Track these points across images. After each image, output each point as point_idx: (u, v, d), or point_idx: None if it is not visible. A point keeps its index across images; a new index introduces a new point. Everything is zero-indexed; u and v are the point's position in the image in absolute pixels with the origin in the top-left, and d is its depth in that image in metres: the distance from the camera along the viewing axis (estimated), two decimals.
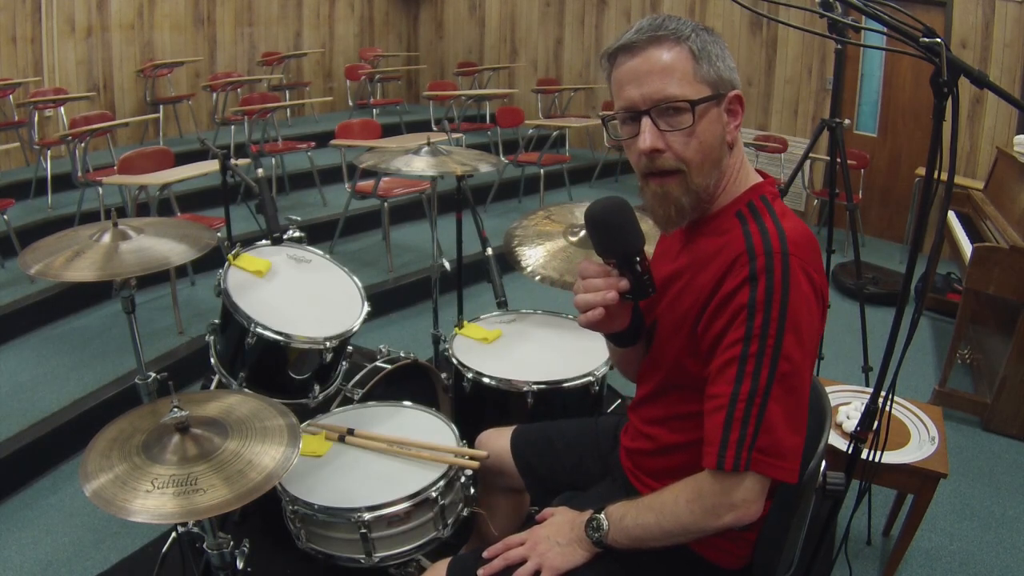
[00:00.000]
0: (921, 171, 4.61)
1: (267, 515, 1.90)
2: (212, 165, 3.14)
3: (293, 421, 1.28)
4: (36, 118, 5.20)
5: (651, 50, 1.03)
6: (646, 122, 1.04)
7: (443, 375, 2.14)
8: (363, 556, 1.44)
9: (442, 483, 1.48)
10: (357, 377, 1.92)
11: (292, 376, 1.78)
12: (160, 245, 1.60)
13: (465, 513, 1.56)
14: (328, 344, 1.73)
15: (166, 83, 6.40)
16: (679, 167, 1.05)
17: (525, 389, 1.80)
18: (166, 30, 6.45)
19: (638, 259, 1.07)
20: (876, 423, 1.21)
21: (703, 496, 1.04)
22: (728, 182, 1.11)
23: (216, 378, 1.93)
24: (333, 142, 4.39)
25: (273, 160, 5.07)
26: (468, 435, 1.63)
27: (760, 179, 1.15)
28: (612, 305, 1.07)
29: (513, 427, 1.56)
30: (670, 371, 1.16)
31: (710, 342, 1.05)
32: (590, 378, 1.84)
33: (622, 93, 1.06)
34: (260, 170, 2.29)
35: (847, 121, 2.87)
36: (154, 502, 1.06)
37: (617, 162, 6.56)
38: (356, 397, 1.86)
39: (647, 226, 1.14)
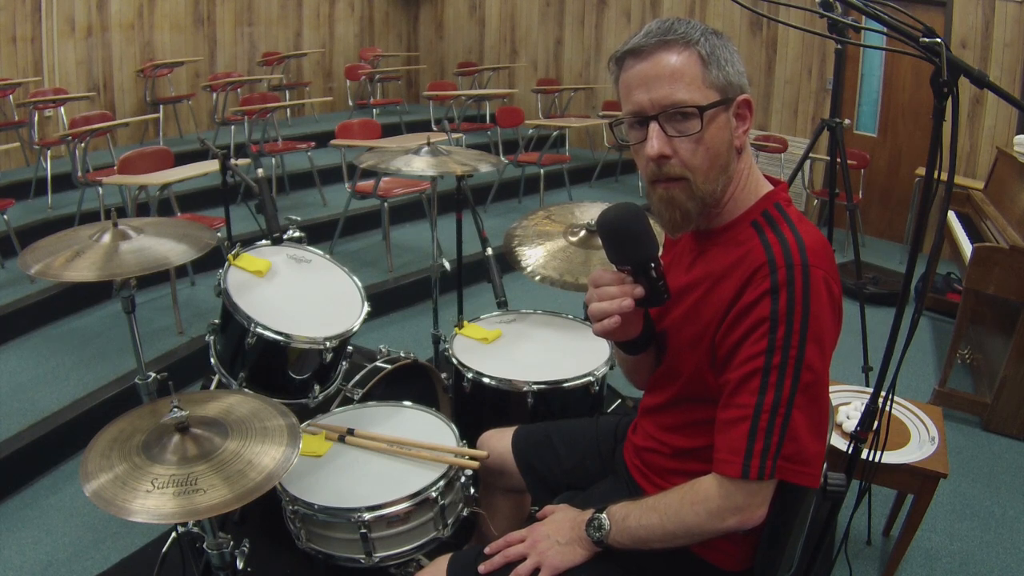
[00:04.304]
0: (921, 171, 4.61)
1: (267, 515, 1.90)
2: (212, 165, 3.14)
3: (293, 421, 1.28)
4: (36, 118, 5.20)
5: (660, 54, 1.02)
6: (654, 127, 1.03)
7: (443, 375, 2.14)
8: (363, 556, 1.44)
9: (442, 483, 1.48)
10: (357, 377, 1.92)
11: (292, 376, 1.78)
12: (160, 245, 1.60)
13: (465, 513, 1.56)
14: (328, 344, 1.73)
15: (166, 83, 6.40)
16: (684, 174, 1.04)
17: (525, 389, 1.80)
18: (166, 30, 6.45)
19: (653, 265, 1.06)
20: (876, 423, 1.22)
21: (709, 499, 1.04)
22: (737, 188, 1.10)
23: (216, 378, 1.93)
24: (333, 142, 4.39)
25: (273, 160, 5.07)
26: (468, 435, 1.63)
27: (769, 185, 1.14)
28: (627, 313, 1.07)
29: (514, 428, 1.56)
30: (688, 383, 1.15)
31: (727, 350, 1.05)
32: (590, 378, 1.84)
33: (630, 97, 1.05)
34: (260, 170, 2.29)
35: (847, 121, 2.87)
36: (154, 502, 1.06)
37: (617, 162, 6.56)
38: (356, 397, 1.86)
39: (657, 229, 1.13)
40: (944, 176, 1.03)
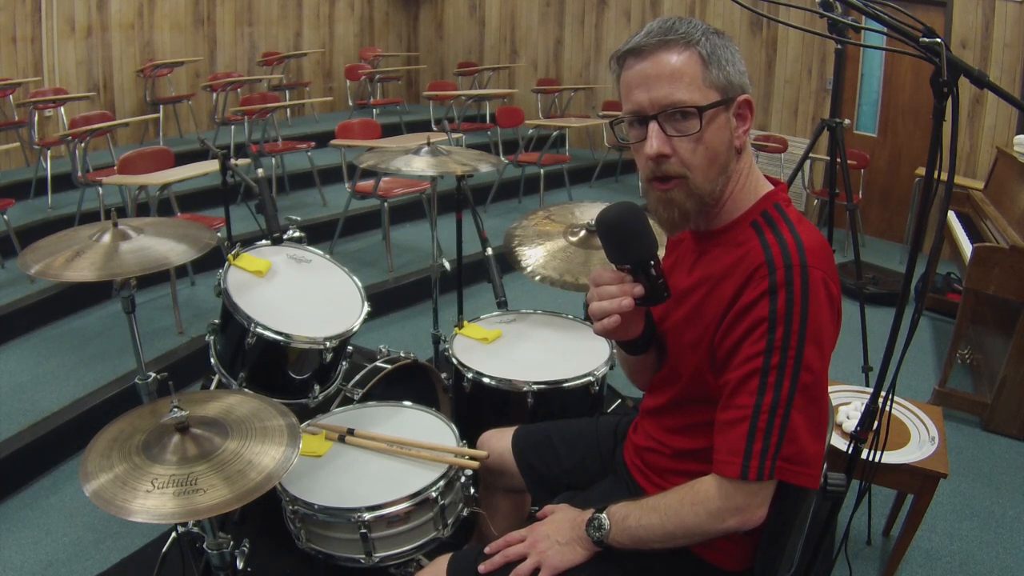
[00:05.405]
0: (921, 171, 4.61)
1: (267, 515, 1.90)
2: (212, 165, 3.14)
3: (293, 421, 1.28)
4: (36, 118, 5.20)
5: (660, 54, 1.02)
6: (653, 127, 1.03)
7: (443, 375, 2.14)
8: (363, 556, 1.44)
9: (442, 483, 1.48)
10: (357, 377, 1.92)
11: (292, 376, 1.78)
12: (160, 245, 1.60)
13: (465, 513, 1.56)
14: (328, 344, 1.73)
15: (166, 83, 6.40)
16: (683, 172, 1.04)
17: (525, 389, 1.80)
18: (166, 30, 6.45)
19: (653, 264, 1.06)
20: (876, 423, 1.22)
21: (709, 499, 1.04)
22: (736, 187, 1.10)
23: (216, 378, 1.93)
24: (333, 142, 4.39)
25: (273, 160, 5.07)
26: (468, 435, 1.63)
27: (770, 185, 1.14)
28: (627, 312, 1.07)
29: (514, 428, 1.56)
30: (688, 385, 1.15)
31: (726, 351, 1.05)
32: (590, 378, 1.84)
33: (630, 96, 1.05)
34: (260, 170, 2.29)
35: (847, 121, 2.87)
36: (154, 502, 1.06)
37: (617, 162, 6.56)
38: (356, 397, 1.86)
39: (657, 228, 1.13)
40: (944, 176, 1.03)
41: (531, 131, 6.35)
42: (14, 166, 5.27)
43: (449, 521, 1.51)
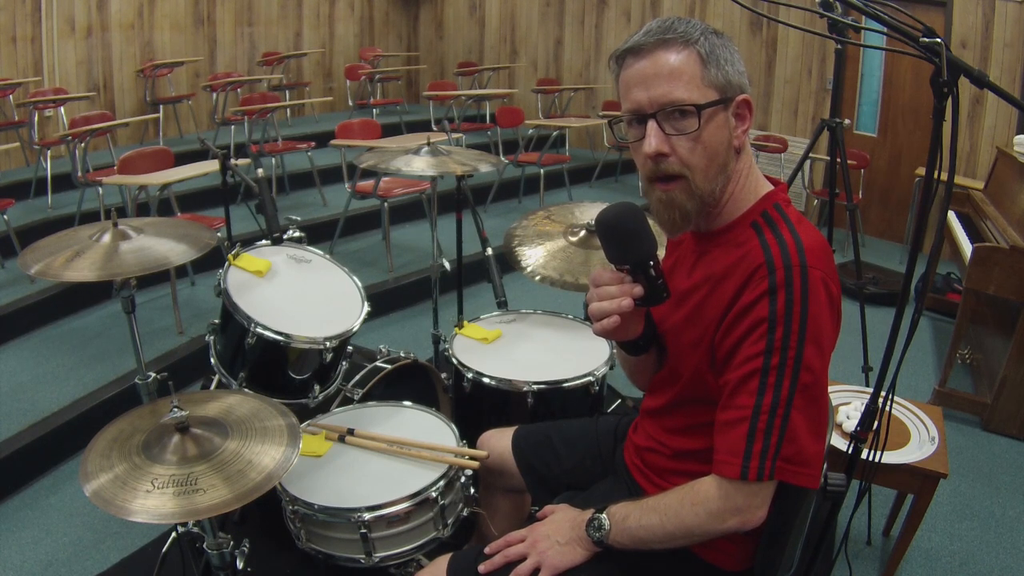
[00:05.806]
0: (921, 171, 4.61)
1: (267, 515, 1.90)
2: (212, 165, 3.14)
3: (293, 421, 1.28)
4: (36, 118, 5.20)
5: (659, 53, 1.02)
6: (652, 125, 1.03)
7: (443, 375, 2.14)
8: (363, 556, 1.44)
9: (442, 483, 1.48)
10: (357, 377, 1.92)
11: (292, 376, 1.78)
12: (160, 245, 1.60)
13: (465, 513, 1.56)
14: (328, 344, 1.73)
15: (166, 83, 6.40)
16: (683, 172, 1.04)
17: (525, 389, 1.80)
18: (166, 30, 6.46)
19: (652, 264, 1.06)
20: (876, 423, 1.22)
21: (709, 500, 1.05)
22: (736, 187, 1.10)
23: (216, 378, 1.93)
24: (333, 142, 4.39)
25: (273, 160, 5.07)
26: (468, 435, 1.63)
27: (770, 185, 1.14)
28: (626, 312, 1.07)
29: (514, 428, 1.56)
30: (688, 385, 1.15)
31: (726, 351, 1.05)
32: (590, 378, 1.84)
33: (629, 95, 1.05)
34: (260, 170, 2.29)
35: (847, 121, 2.87)
36: (154, 502, 1.06)
37: (617, 162, 6.56)
38: (356, 397, 1.86)
39: (657, 228, 1.13)
40: (944, 176, 1.03)
41: (531, 131, 6.35)
42: (14, 166, 5.27)
43: (449, 521, 1.51)
